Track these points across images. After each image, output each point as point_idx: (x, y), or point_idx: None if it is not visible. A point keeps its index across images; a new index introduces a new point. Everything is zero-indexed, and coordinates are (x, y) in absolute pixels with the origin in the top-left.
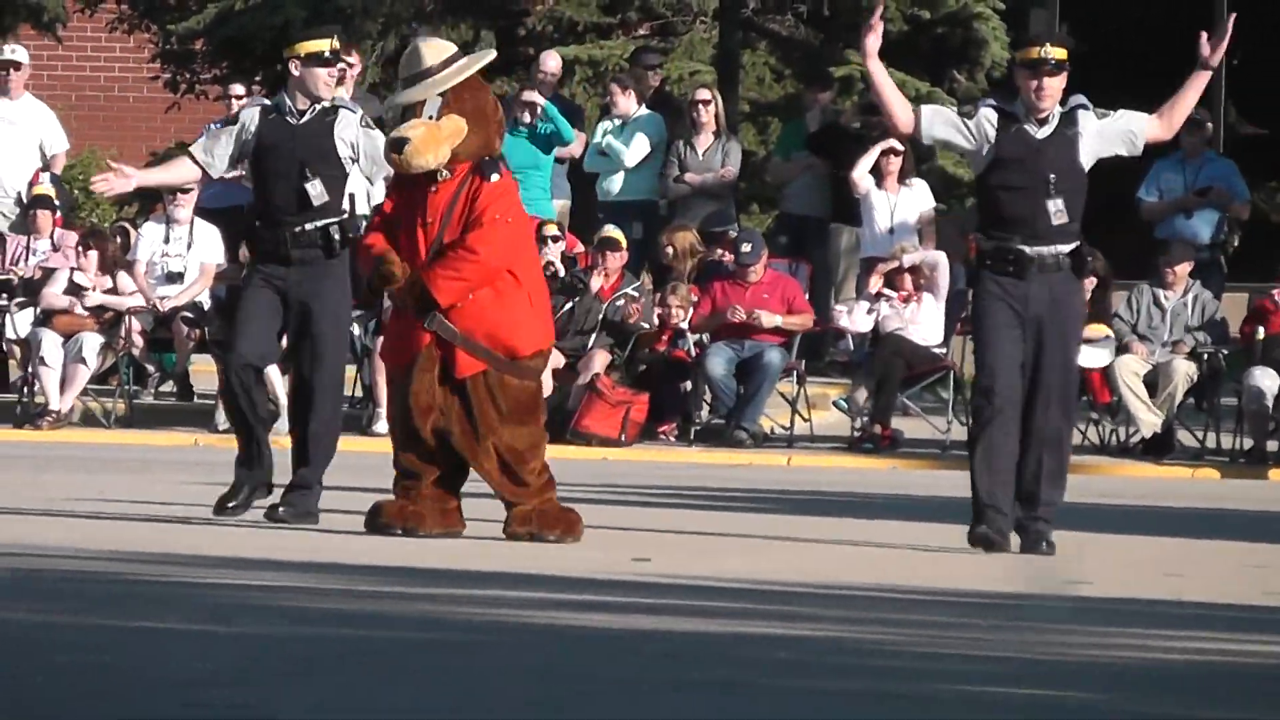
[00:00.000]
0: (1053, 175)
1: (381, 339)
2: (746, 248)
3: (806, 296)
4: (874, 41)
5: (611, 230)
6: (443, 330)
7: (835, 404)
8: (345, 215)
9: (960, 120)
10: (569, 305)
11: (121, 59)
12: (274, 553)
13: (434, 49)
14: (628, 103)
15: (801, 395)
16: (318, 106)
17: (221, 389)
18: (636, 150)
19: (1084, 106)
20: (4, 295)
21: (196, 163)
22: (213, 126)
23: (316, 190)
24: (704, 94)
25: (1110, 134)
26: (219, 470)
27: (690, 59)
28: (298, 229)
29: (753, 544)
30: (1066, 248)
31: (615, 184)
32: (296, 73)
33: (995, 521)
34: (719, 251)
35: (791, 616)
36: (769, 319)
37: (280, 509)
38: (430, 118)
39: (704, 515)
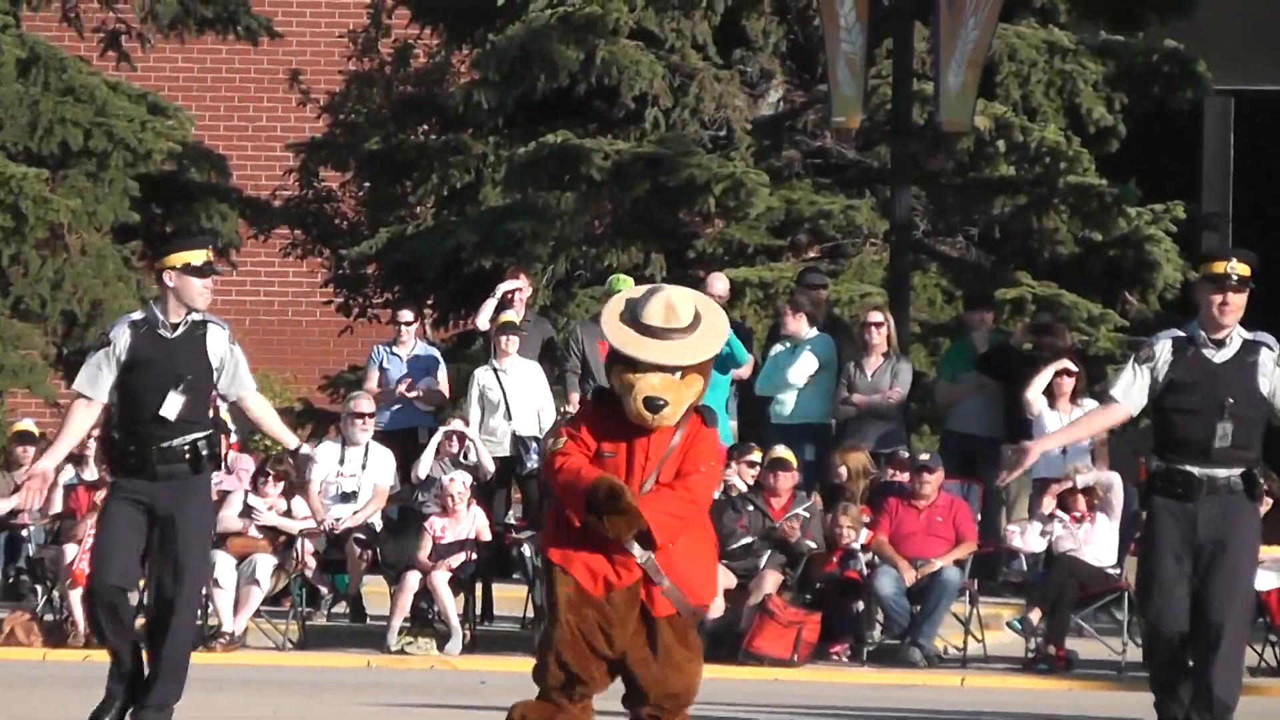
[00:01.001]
0: (1230, 399)
1: (552, 529)
2: (926, 456)
3: (977, 519)
4: (1032, 457)
5: (782, 451)
6: (653, 573)
7: (1009, 624)
8: (211, 431)
9: (1141, 367)
10: (748, 538)
11: (295, 284)
12: None
13: (686, 306)
14: (797, 324)
15: (975, 615)
16: (190, 320)
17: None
18: (802, 369)
19: (1269, 346)
20: None
21: (85, 396)
22: (90, 356)
23: (174, 406)
24: (876, 315)
25: None
26: (392, 691)
27: (860, 280)
28: (165, 444)
29: None
30: (1239, 470)
31: (786, 406)
32: (171, 283)
33: None
34: (890, 471)
35: None
36: (931, 565)
37: None
38: (676, 375)
39: None
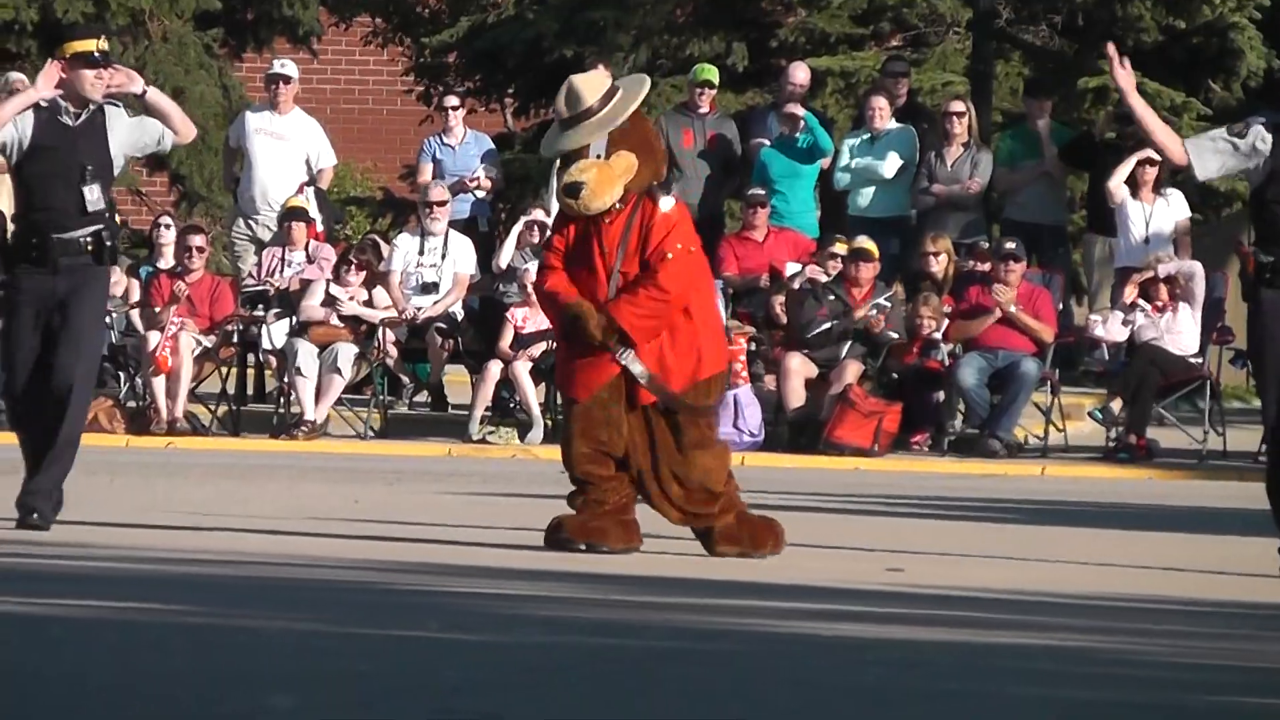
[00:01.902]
0: None
1: (558, 368)
2: (1011, 245)
3: (1059, 307)
4: (1125, 78)
5: (864, 241)
6: (633, 366)
7: (1090, 414)
8: (110, 222)
9: (1229, 140)
10: (827, 323)
11: (375, 72)
12: (520, 562)
13: (591, 86)
14: (884, 116)
15: (1056, 405)
16: (91, 107)
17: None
18: (891, 164)
19: None
20: (260, 307)
21: None
22: None
23: (94, 196)
24: (957, 105)
25: None
26: (473, 480)
27: (943, 70)
28: (68, 235)
29: (1006, 554)
30: None
31: (865, 199)
32: (65, 74)
33: None
34: (971, 262)
35: (1044, 627)
36: (1019, 315)
37: (35, 516)
38: (598, 156)
39: (957, 525)
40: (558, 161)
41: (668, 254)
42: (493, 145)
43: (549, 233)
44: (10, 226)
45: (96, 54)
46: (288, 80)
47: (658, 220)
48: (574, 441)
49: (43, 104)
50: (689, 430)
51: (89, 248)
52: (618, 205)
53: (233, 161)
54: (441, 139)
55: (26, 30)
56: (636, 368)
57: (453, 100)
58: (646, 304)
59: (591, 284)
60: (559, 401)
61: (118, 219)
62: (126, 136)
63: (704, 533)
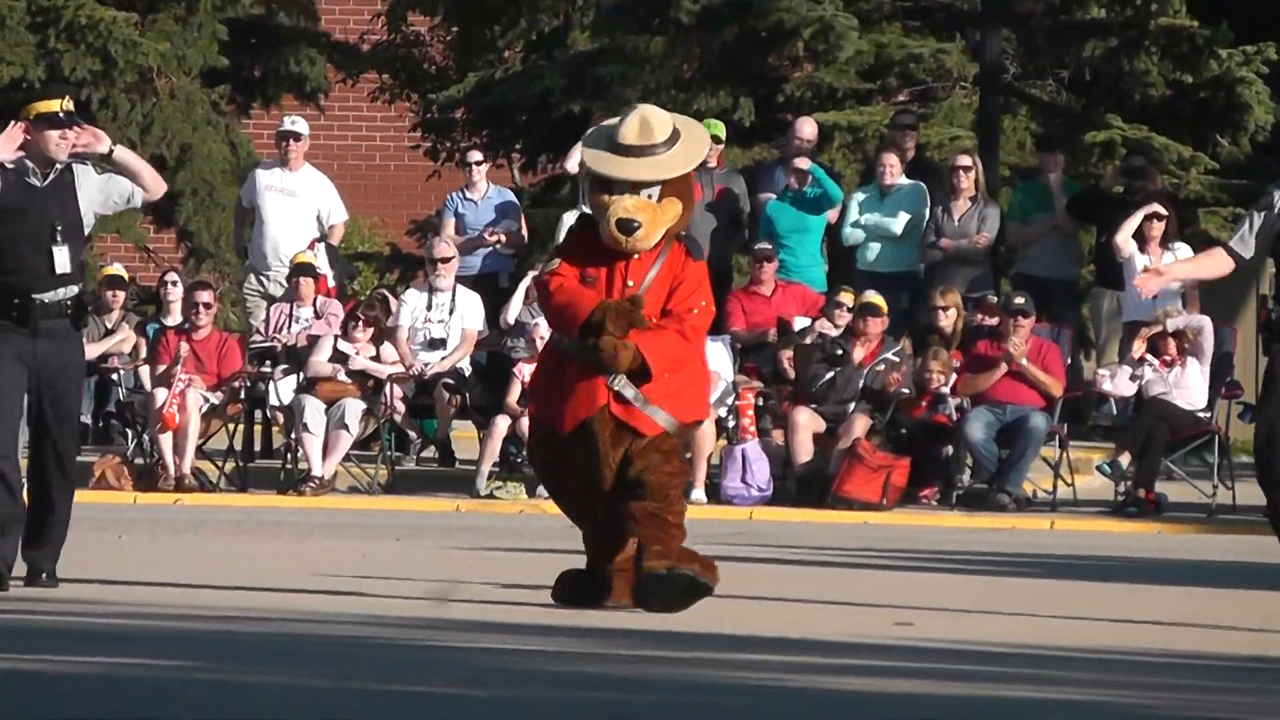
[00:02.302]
0: None
1: (533, 384)
2: (1020, 300)
3: (1067, 363)
4: (1155, 284)
5: (872, 295)
6: (626, 391)
7: (1099, 468)
8: (82, 285)
9: (1258, 212)
10: (830, 373)
11: (383, 128)
12: (528, 618)
13: (661, 122)
14: (895, 171)
15: (1064, 460)
16: (58, 167)
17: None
18: (901, 222)
19: None
20: (268, 363)
21: None
22: None
23: (63, 258)
24: (964, 160)
25: None
26: (481, 535)
27: (950, 124)
28: (46, 299)
29: (1016, 608)
30: None
31: (874, 254)
32: (29, 136)
33: None
34: (979, 316)
35: (1054, 681)
36: (1030, 368)
37: (44, 576)
38: (650, 196)
39: (966, 579)
40: (582, 174)
41: (694, 309)
42: (515, 200)
43: (560, 244)
44: None
45: (61, 114)
46: (298, 137)
47: (692, 268)
48: (566, 492)
49: (9, 165)
50: (671, 466)
51: (69, 311)
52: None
53: (244, 223)
54: (464, 194)
55: (34, 87)
56: (629, 391)
57: (476, 155)
58: (673, 348)
59: None
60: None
61: (127, 278)
62: (96, 194)
63: (636, 563)
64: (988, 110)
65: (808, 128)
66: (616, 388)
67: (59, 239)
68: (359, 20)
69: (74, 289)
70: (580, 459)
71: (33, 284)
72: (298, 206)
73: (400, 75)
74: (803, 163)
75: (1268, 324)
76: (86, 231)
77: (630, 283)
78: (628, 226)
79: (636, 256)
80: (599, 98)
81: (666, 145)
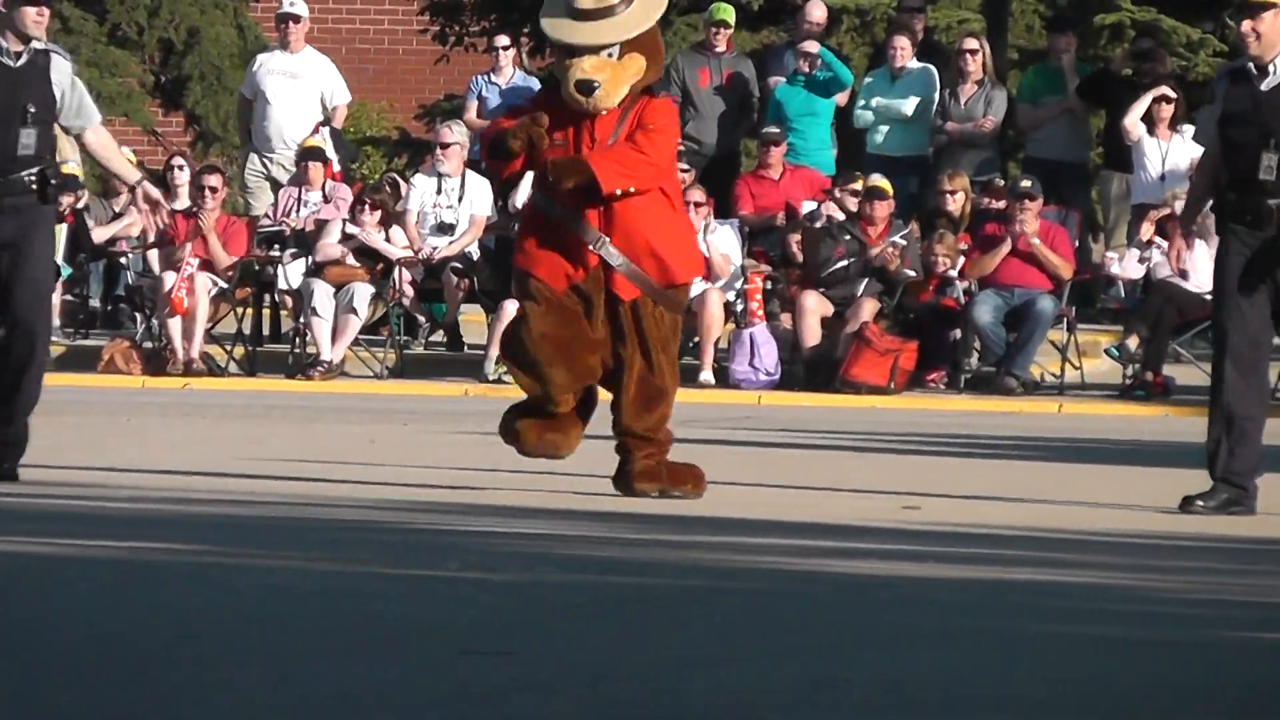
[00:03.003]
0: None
1: (525, 247)
2: (1027, 183)
3: (1075, 245)
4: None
5: (878, 179)
6: (608, 254)
7: (1106, 351)
8: (53, 162)
9: (1206, 107)
10: (837, 257)
11: (390, 12)
12: (537, 502)
13: None
14: (905, 54)
15: (1072, 343)
16: (33, 47)
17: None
18: (911, 105)
19: None
20: (276, 247)
21: None
22: None
23: (30, 139)
24: (971, 43)
25: None
26: (489, 420)
27: (959, 7)
28: (10, 175)
29: (1023, 492)
30: None
31: (883, 137)
32: (5, 10)
33: None
34: (987, 200)
35: (1061, 564)
36: (1039, 247)
37: (5, 466)
38: (610, 55)
39: (974, 463)
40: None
41: (650, 125)
42: (541, 86)
43: (522, 106)
44: None
45: None
46: (298, 19)
47: (653, 105)
48: (549, 365)
49: None
50: (659, 329)
51: (33, 187)
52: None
53: (248, 115)
54: (489, 78)
55: None
56: (615, 257)
57: (503, 40)
58: (621, 155)
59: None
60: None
61: (135, 161)
62: (67, 89)
63: (622, 468)
64: None
65: (817, 11)
66: (595, 249)
67: (29, 120)
68: None
69: (46, 164)
70: (568, 316)
71: (2, 165)
72: (301, 88)
73: None
74: (812, 46)
75: (1220, 210)
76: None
77: (598, 137)
78: (587, 87)
79: (603, 114)
80: None
81: (625, 3)
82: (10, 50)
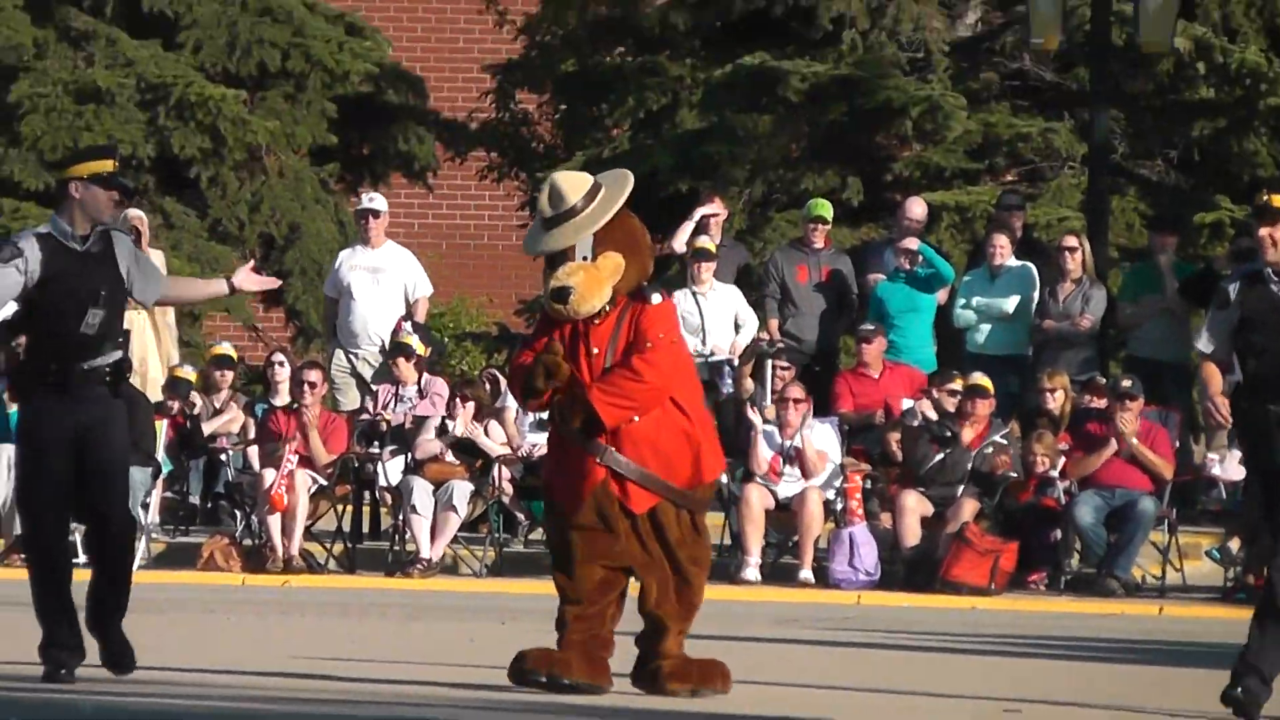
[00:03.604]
0: None
1: (547, 466)
2: (1127, 383)
3: (1176, 445)
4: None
5: (979, 378)
6: (615, 464)
7: (1208, 553)
8: (125, 351)
9: (1216, 312)
10: (939, 455)
11: (491, 207)
12: (631, 702)
13: (573, 185)
14: (1004, 251)
15: (1173, 544)
16: (98, 231)
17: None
18: (1012, 303)
19: None
20: (375, 443)
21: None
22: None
23: (103, 322)
24: (1071, 240)
25: None
26: None
27: (1058, 204)
28: (87, 365)
29: (1124, 696)
30: None
31: (983, 336)
32: (77, 194)
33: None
34: (1087, 398)
35: None
36: (1140, 448)
37: (64, 672)
38: (584, 258)
39: (1075, 666)
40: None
41: (648, 342)
42: None
43: (533, 331)
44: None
45: (111, 174)
46: (377, 214)
47: (648, 312)
48: (577, 562)
49: (42, 232)
50: (680, 530)
51: (108, 378)
52: (606, 307)
53: (334, 313)
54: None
55: (144, 166)
56: (623, 465)
57: None
58: (617, 383)
59: (578, 384)
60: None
61: (236, 357)
62: (133, 266)
63: (650, 669)
64: (1096, 190)
65: (917, 208)
66: (603, 461)
67: (100, 304)
68: (467, 98)
69: (116, 354)
70: (589, 533)
71: (74, 351)
72: (383, 282)
73: (508, 153)
74: (912, 243)
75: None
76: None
77: (595, 350)
78: (561, 294)
79: (596, 323)
80: (706, 176)
81: (585, 201)
82: (76, 234)
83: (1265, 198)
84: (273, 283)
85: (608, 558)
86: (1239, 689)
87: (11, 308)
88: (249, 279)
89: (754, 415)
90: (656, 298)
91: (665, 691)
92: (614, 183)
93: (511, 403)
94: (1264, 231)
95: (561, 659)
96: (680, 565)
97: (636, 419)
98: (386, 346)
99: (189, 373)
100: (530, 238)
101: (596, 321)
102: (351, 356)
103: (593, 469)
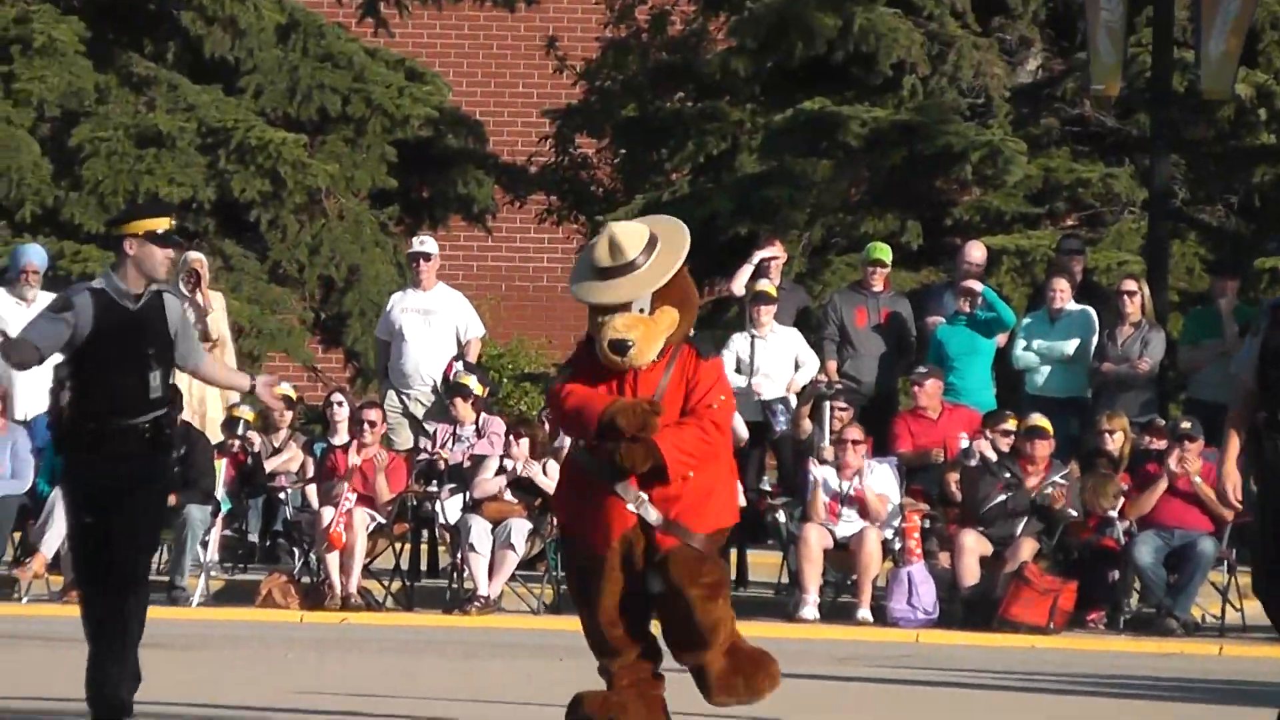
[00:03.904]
0: None
1: (558, 498)
2: (1187, 425)
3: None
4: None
5: (1039, 419)
6: (646, 513)
7: None
8: (169, 407)
9: (1250, 339)
10: (998, 496)
11: (550, 250)
12: None
13: (632, 238)
14: (1065, 295)
15: (1233, 584)
16: (151, 289)
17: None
18: (1072, 346)
19: None
20: (434, 482)
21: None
22: (48, 315)
23: (157, 381)
24: (1129, 284)
25: None
26: None
27: (1118, 249)
28: (130, 423)
29: None
30: None
31: (1043, 378)
32: (132, 251)
33: None
34: (1148, 439)
35: None
36: (1201, 485)
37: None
38: (641, 310)
39: (1134, 705)
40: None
41: (713, 404)
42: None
43: (568, 368)
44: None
45: (167, 231)
46: (428, 257)
47: (704, 368)
48: (603, 605)
49: (102, 286)
50: (703, 574)
51: (147, 435)
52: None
53: (385, 355)
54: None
55: (204, 209)
56: (652, 514)
57: None
58: (692, 441)
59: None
60: (733, 577)
61: (295, 397)
62: (179, 324)
63: (700, 673)
64: (1156, 235)
65: (977, 251)
66: (635, 509)
67: (153, 363)
68: (527, 142)
69: (158, 412)
70: (618, 576)
71: (123, 409)
72: (435, 324)
73: (568, 197)
74: (974, 285)
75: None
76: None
77: (638, 394)
78: (621, 347)
79: (645, 369)
80: (766, 220)
81: (645, 255)
82: (130, 292)
83: None
84: (280, 406)
85: (631, 609)
86: None
87: (57, 358)
88: (266, 391)
89: (814, 468)
90: (714, 353)
91: (713, 702)
92: (671, 237)
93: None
94: None
95: (618, 702)
96: (689, 598)
97: (692, 475)
98: (439, 387)
99: (247, 412)
100: (583, 285)
101: (645, 368)
102: (404, 397)
103: (624, 513)
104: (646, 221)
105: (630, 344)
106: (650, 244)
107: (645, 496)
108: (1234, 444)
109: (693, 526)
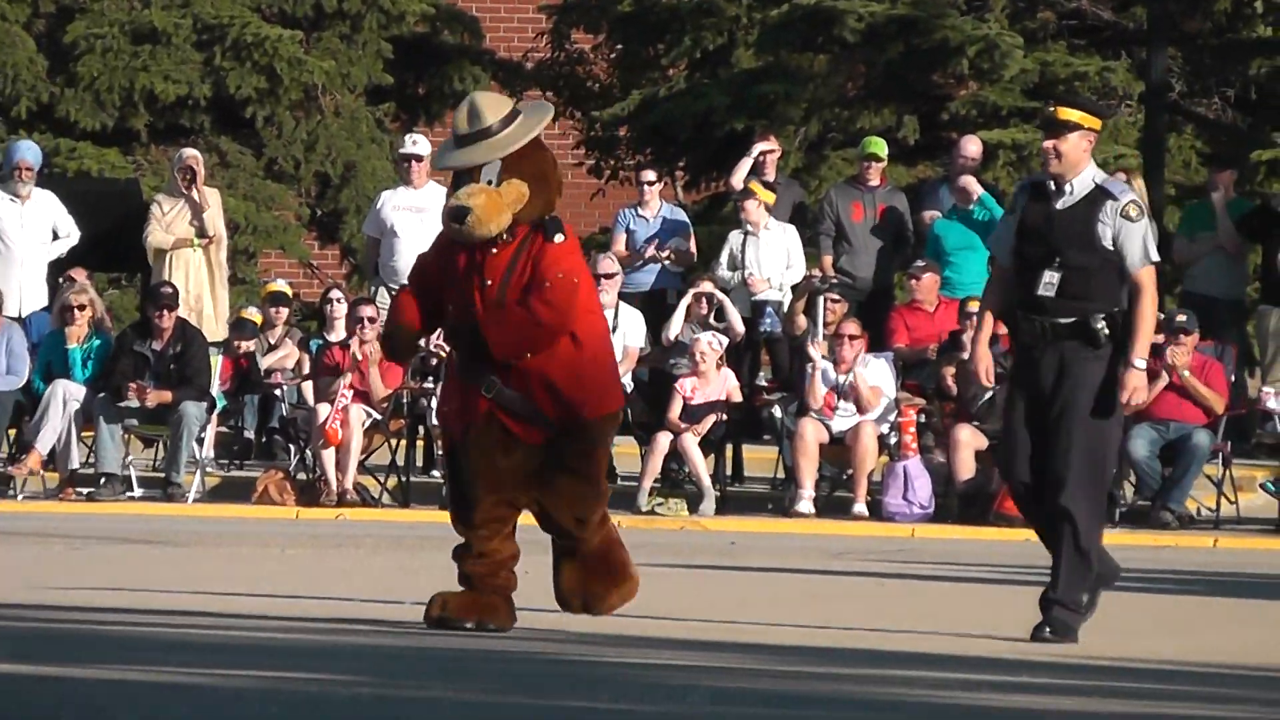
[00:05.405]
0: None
1: (438, 400)
2: (1182, 318)
3: (1231, 380)
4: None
5: None
6: (501, 398)
7: (1262, 486)
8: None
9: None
10: (989, 391)
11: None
12: (688, 633)
13: (493, 106)
14: None
15: (1228, 477)
16: None
17: None
18: None
19: (1114, 196)
20: (429, 379)
21: None
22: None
23: None
24: (1122, 178)
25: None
26: (642, 551)
27: (1115, 143)
28: None
29: (1179, 626)
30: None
31: None
32: None
33: None
34: None
35: (1217, 698)
36: (1192, 381)
37: None
38: (489, 182)
39: (1129, 597)
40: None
41: (546, 282)
42: (686, 219)
43: (430, 255)
44: None
45: None
46: (420, 158)
47: (550, 250)
48: (474, 489)
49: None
50: (571, 463)
51: None
52: (505, 236)
53: (375, 252)
54: (636, 211)
55: (200, 105)
56: (509, 399)
57: (649, 175)
58: (513, 322)
59: (468, 310)
60: (728, 473)
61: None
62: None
63: (560, 559)
64: (1153, 129)
65: (973, 146)
66: (489, 394)
67: None
68: (523, 38)
69: None
70: (473, 462)
71: None
72: (427, 221)
73: (564, 93)
74: (969, 182)
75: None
76: None
77: (489, 281)
78: (458, 214)
79: (493, 252)
80: (762, 116)
81: (502, 124)
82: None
83: (1051, 109)
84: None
85: (496, 490)
86: None
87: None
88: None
89: (813, 351)
90: (559, 237)
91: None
92: (534, 111)
93: None
94: (1048, 144)
95: (487, 604)
96: (564, 503)
97: (530, 356)
98: None
99: (254, 314)
100: (441, 152)
101: (494, 251)
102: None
103: (479, 401)
104: (499, 97)
105: (468, 211)
106: (510, 115)
107: (496, 380)
108: (987, 325)
109: (561, 414)
